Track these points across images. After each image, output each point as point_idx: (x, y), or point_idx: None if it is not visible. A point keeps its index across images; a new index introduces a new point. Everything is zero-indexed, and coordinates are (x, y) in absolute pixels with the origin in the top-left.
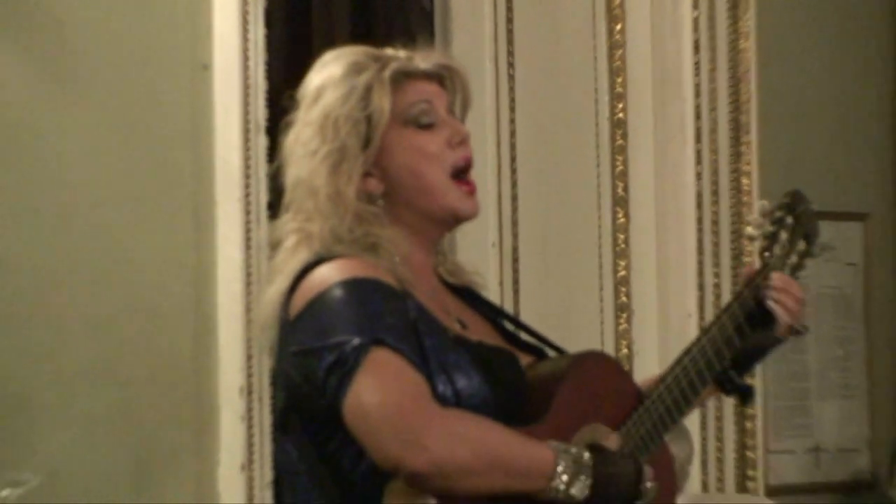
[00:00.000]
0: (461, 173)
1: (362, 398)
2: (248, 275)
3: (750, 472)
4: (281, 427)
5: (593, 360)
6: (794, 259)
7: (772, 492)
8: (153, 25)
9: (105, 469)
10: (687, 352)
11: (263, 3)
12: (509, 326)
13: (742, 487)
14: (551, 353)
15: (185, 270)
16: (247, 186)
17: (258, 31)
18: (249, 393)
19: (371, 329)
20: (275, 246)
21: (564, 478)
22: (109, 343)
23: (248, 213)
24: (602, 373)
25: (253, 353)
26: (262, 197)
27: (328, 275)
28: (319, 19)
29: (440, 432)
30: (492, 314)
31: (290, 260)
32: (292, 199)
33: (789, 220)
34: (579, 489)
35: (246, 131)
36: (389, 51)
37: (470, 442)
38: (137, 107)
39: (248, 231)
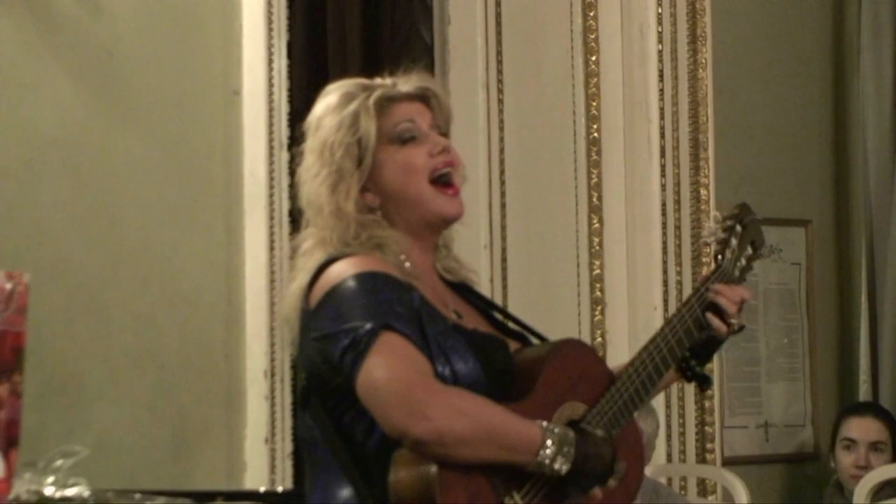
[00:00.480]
0: (442, 178)
1: (373, 374)
2: (272, 272)
3: (708, 446)
4: (303, 405)
5: (571, 347)
6: (742, 262)
7: (727, 462)
8: (191, 57)
9: (146, 442)
10: (652, 340)
11: (286, 37)
12: (499, 317)
13: (702, 459)
14: (535, 340)
15: (217, 269)
16: (271, 196)
17: (281, 62)
18: (272, 375)
19: (381, 315)
20: (296, 250)
21: (549, 453)
22: (151, 332)
23: (271, 219)
24: (578, 358)
25: (276, 340)
26: (284, 205)
27: (343, 270)
28: (334, 51)
29: (442, 405)
30: (484, 306)
31: (309, 260)
32: (307, 217)
33: (738, 228)
34: (562, 464)
35: (271, 148)
36: (378, 80)
37: (468, 416)
38: (177, 127)
39: (271, 235)
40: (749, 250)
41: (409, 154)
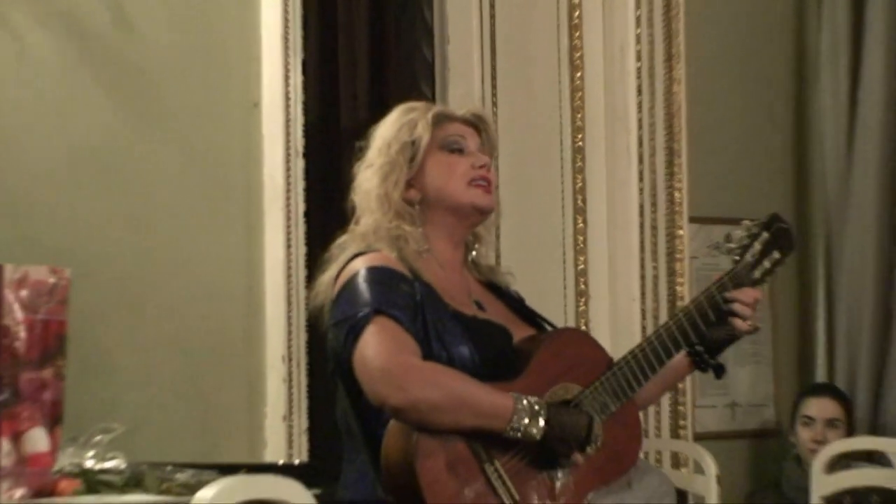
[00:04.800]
0: (478, 181)
1: (364, 351)
2: (289, 268)
3: (681, 423)
4: (334, 385)
5: (569, 334)
6: (766, 265)
7: (698, 437)
8: (215, 73)
9: (176, 420)
10: (655, 332)
11: (301, 56)
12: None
13: (675, 434)
14: (550, 329)
15: (239, 264)
16: (287, 199)
17: (297, 78)
18: (290, 360)
19: (378, 302)
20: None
21: (523, 420)
22: (179, 321)
23: (288, 219)
24: (576, 344)
25: (292, 328)
26: (300, 207)
27: (356, 265)
28: (345, 68)
29: (417, 378)
30: (511, 302)
31: (341, 253)
32: (356, 204)
33: (765, 234)
34: (536, 430)
35: (287, 156)
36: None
37: (441, 386)
38: (202, 136)
39: (288, 234)
40: (776, 255)
41: (454, 160)
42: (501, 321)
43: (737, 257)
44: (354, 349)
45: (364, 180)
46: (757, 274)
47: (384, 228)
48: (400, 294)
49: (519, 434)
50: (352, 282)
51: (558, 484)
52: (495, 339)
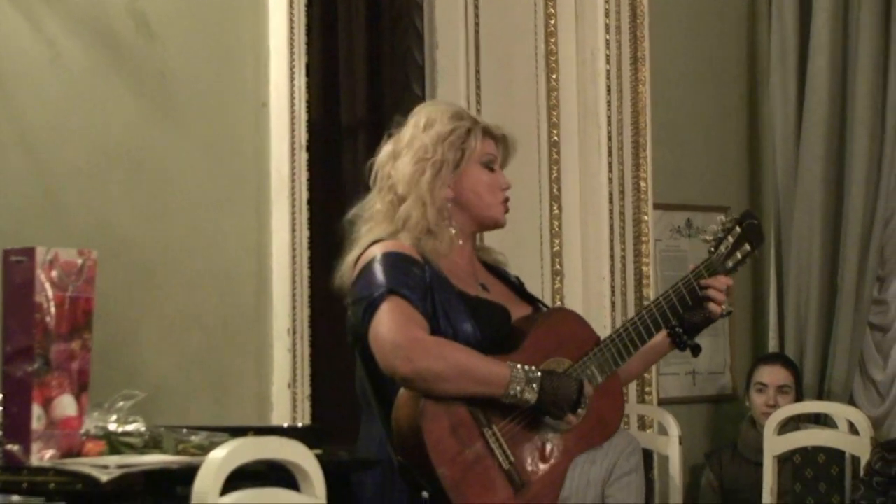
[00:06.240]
0: (504, 201)
1: (377, 327)
2: (294, 250)
3: (647, 389)
4: (353, 359)
5: (561, 314)
6: (738, 256)
7: (662, 402)
8: (228, 76)
9: (192, 387)
10: (638, 313)
11: (305, 59)
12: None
13: (641, 399)
14: (543, 309)
15: (250, 247)
16: (293, 189)
17: (301, 80)
18: (294, 333)
19: (392, 284)
20: (355, 218)
21: (518, 386)
22: (196, 298)
23: (293, 207)
24: (568, 323)
25: (297, 304)
26: (304, 196)
27: (374, 251)
28: (344, 71)
29: (423, 350)
30: (512, 285)
31: (364, 237)
32: (387, 180)
33: (737, 229)
34: (530, 395)
35: (293, 150)
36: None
37: (444, 358)
38: (217, 133)
39: (293, 220)
40: (747, 248)
41: (490, 178)
42: (502, 301)
43: (712, 248)
44: (369, 325)
45: (408, 167)
46: (730, 264)
47: (423, 222)
48: (412, 276)
49: (516, 399)
50: (369, 265)
51: (550, 446)
52: (495, 317)
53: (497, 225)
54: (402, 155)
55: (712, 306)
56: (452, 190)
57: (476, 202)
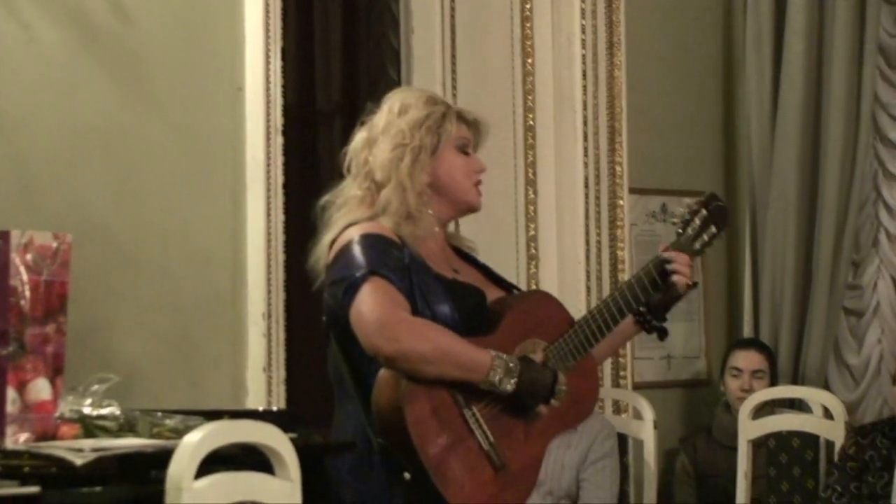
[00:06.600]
0: (477, 185)
1: (360, 307)
2: (269, 234)
3: (622, 373)
4: (327, 340)
5: (536, 296)
6: (704, 238)
7: (637, 386)
8: (203, 59)
9: (168, 371)
10: (610, 295)
11: (280, 43)
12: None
13: (616, 383)
14: (516, 293)
15: (225, 231)
16: (268, 173)
17: (276, 64)
18: (269, 317)
19: (373, 264)
20: (328, 204)
21: (497, 375)
22: (171, 281)
23: (268, 191)
24: (543, 305)
25: (272, 289)
26: (279, 180)
27: (352, 232)
28: (321, 55)
29: (408, 331)
30: (483, 269)
31: (340, 219)
32: (364, 166)
33: (703, 212)
34: (508, 384)
35: (268, 134)
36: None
37: (429, 340)
38: (192, 116)
39: (268, 204)
40: (713, 230)
41: (464, 161)
42: (476, 284)
43: (679, 230)
44: (351, 306)
45: (394, 153)
46: (697, 245)
47: (403, 207)
48: (391, 258)
49: (494, 387)
50: (348, 247)
51: (528, 428)
52: (472, 299)
53: (473, 209)
54: (379, 141)
55: (677, 278)
56: (430, 175)
57: (453, 186)
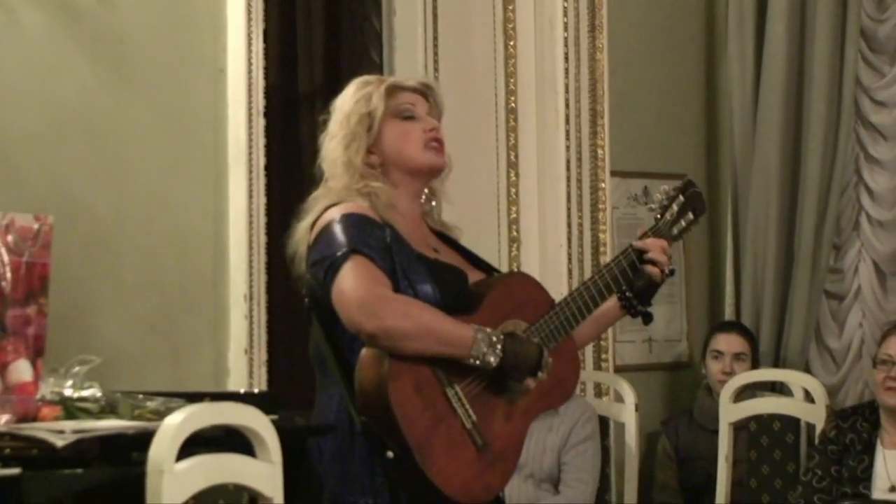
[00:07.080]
0: (431, 143)
1: (342, 285)
2: (251, 216)
3: (603, 356)
4: (308, 322)
5: (517, 277)
6: (682, 224)
7: (618, 369)
8: (186, 42)
9: (149, 352)
10: (591, 277)
11: (262, 25)
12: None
13: (598, 366)
14: (496, 274)
15: (207, 213)
16: (250, 155)
17: (258, 46)
18: (251, 299)
19: (354, 243)
20: (310, 199)
21: (481, 349)
22: (153, 263)
23: (250, 173)
24: (524, 286)
25: (253, 271)
26: (261, 162)
27: (333, 213)
28: (303, 37)
29: (390, 308)
30: (461, 249)
31: (315, 205)
32: (324, 169)
33: (681, 197)
34: (493, 358)
35: (250, 116)
36: (390, 76)
37: (411, 317)
38: (175, 98)
39: (250, 186)
40: (690, 216)
41: (408, 127)
42: (457, 265)
43: (658, 216)
44: (333, 284)
45: (329, 150)
46: (675, 231)
47: (354, 189)
48: (373, 236)
49: (478, 362)
50: (329, 227)
51: (510, 407)
52: (453, 278)
53: (433, 168)
54: (325, 141)
55: (653, 269)
56: (378, 155)
57: (397, 155)
